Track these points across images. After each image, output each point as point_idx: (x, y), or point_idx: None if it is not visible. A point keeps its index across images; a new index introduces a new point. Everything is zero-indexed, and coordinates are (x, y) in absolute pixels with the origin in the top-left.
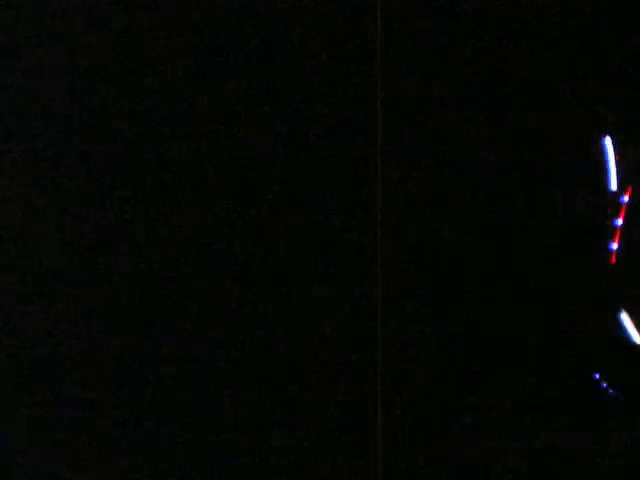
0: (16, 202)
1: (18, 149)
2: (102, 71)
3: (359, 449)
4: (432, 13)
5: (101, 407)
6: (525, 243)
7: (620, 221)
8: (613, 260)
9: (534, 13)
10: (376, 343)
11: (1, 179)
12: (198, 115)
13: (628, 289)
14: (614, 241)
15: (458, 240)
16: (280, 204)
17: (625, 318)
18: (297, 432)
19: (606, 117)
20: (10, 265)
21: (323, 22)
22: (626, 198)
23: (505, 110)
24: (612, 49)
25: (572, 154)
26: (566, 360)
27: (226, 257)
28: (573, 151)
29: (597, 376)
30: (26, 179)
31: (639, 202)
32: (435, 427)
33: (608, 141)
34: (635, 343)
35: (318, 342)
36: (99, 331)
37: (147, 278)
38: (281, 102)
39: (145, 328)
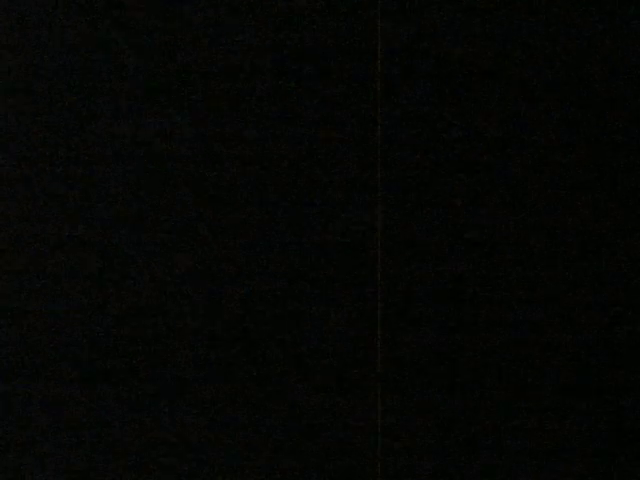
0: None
1: (16, 149)
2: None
3: (359, 450)
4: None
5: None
6: (540, 245)
7: None
8: None
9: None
10: (376, 344)
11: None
12: (197, 115)
13: None
14: None
15: (459, 243)
16: (280, 204)
17: None
18: (296, 433)
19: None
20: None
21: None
22: None
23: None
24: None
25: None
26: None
27: (225, 258)
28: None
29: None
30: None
31: None
32: (436, 429)
33: None
34: None
35: (317, 344)
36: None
37: (146, 280)
38: (280, 102)
39: (143, 330)
